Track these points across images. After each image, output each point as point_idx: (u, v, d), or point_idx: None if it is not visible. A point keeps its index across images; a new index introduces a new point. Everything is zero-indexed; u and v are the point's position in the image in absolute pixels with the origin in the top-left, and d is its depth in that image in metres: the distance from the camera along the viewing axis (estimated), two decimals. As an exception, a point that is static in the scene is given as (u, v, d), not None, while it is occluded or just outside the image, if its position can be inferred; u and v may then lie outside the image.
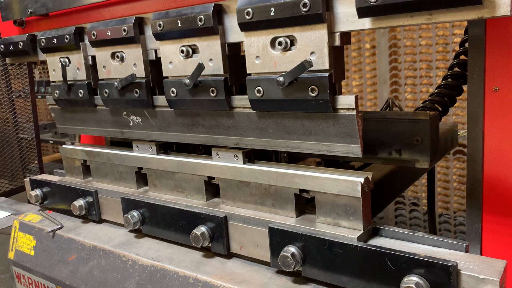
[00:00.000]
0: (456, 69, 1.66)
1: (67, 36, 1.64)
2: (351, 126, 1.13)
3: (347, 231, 1.18)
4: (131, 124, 1.64)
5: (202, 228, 1.38)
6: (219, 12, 1.27)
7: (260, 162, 1.39)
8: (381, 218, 3.86)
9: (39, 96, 5.67)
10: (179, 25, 1.32)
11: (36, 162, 5.27)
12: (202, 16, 1.26)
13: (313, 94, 1.13)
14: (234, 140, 1.38)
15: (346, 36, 1.11)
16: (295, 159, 1.59)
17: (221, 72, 1.31)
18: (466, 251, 1.10)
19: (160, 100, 1.51)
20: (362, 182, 1.15)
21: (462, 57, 1.62)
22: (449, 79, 1.67)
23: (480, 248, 1.35)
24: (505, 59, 1.22)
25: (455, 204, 3.65)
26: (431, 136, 1.32)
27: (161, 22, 1.36)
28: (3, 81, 4.91)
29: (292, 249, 1.19)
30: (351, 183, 1.16)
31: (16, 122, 5.13)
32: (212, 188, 1.50)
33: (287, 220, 1.28)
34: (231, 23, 1.27)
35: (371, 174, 1.19)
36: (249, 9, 1.16)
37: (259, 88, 1.22)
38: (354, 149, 1.16)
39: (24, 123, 5.28)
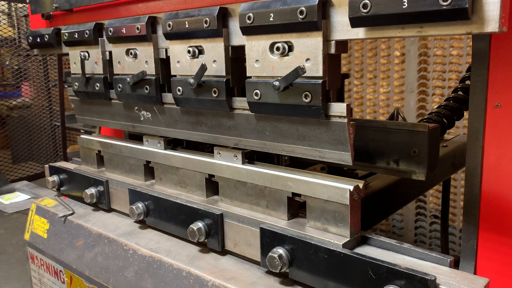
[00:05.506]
0: (467, 81, 1.64)
1: (87, 31, 1.71)
2: (342, 133, 1.14)
3: (334, 237, 1.19)
4: (142, 119, 1.70)
5: (199, 224, 1.42)
6: (224, 15, 1.30)
7: (259, 164, 1.42)
8: (391, 230, 3.80)
9: (66, 86, 5.87)
10: (187, 26, 1.36)
11: (67, 148, 5.48)
12: (207, 19, 1.30)
13: (306, 100, 1.15)
14: (234, 140, 1.42)
15: (342, 45, 1.12)
16: (297, 163, 1.61)
17: (224, 73, 1.34)
18: (450, 266, 1.10)
19: (169, 97, 1.56)
20: (351, 190, 1.16)
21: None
22: (460, 92, 1.65)
23: (474, 265, 1.33)
24: (508, 75, 1.20)
25: (461, 216, 3.55)
26: (429, 148, 1.31)
27: (170, 23, 1.40)
28: (42, 71, 5.13)
29: (280, 250, 1.21)
30: (340, 190, 1.17)
31: (51, 110, 5.35)
32: (212, 186, 1.54)
33: (279, 222, 1.31)
34: (235, 26, 1.30)
35: (363, 183, 1.19)
36: (250, 14, 1.19)
37: (257, 91, 1.25)
38: (344, 157, 1.17)
39: (58, 111, 5.50)
